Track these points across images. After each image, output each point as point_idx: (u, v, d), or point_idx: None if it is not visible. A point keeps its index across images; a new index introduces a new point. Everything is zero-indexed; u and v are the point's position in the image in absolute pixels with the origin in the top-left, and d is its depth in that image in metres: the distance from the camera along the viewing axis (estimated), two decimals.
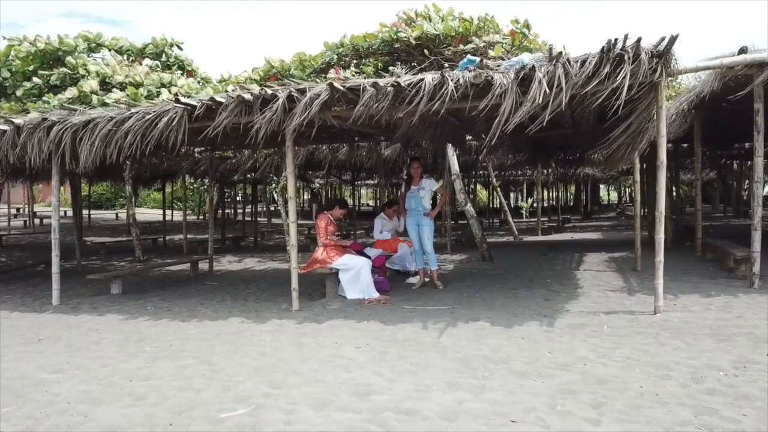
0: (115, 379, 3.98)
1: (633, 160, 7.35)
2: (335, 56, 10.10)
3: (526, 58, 5.14)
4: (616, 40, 4.72)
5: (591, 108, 5.69)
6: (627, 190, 42.10)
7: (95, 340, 5.24)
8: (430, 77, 5.19)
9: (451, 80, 5.09)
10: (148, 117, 6.06)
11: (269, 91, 5.55)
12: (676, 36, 4.61)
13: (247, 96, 5.62)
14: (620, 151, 6.21)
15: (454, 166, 10.49)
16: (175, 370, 4.17)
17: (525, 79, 5.06)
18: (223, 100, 5.74)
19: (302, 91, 5.55)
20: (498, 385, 3.51)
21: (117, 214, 32.16)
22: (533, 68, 4.88)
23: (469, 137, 9.08)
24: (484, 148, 10.16)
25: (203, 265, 10.31)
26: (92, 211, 33.04)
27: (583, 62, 4.87)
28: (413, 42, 9.30)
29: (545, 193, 31.25)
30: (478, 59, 5.23)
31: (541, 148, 11.26)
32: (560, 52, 4.82)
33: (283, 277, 8.73)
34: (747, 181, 27.63)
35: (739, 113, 9.19)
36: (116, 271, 8.35)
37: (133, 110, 6.21)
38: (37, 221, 25.93)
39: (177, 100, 5.84)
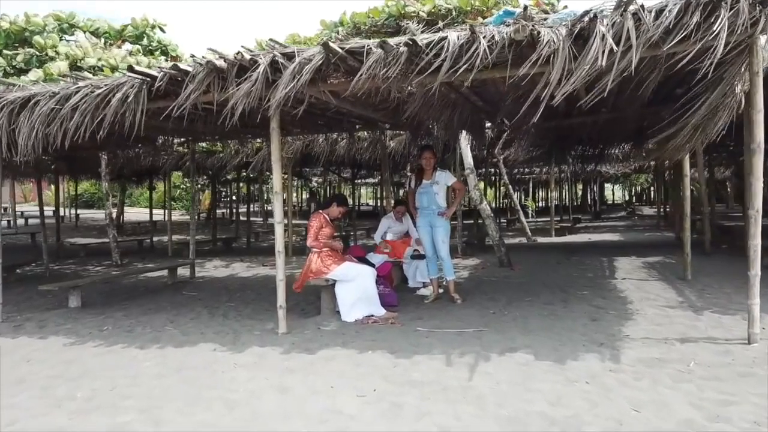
0: None
1: (696, 147, 6.08)
2: (333, 36, 8.92)
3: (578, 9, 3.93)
4: None
5: (657, 76, 4.51)
6: (636, 188, 40.91)
7: (20, 377, 4.03)
8: (455, 35, 3.98)
9: (483, 37, 3.89)
10: (98, 92, 4.85)
11: (247, 56, 4.34)
12: None
13: (220, 63, 4.40)
14: (685, 136, 4.97)
15: (468, 158, 9.27)
16: None
17: (578, 37, 3.87)
18: (189, 69, 4.53)
19: (289, 56, 4.33)
20: None
21: (110, 213, 30.87)
22: (594, 18, 3.66)
23: (488, 124, 7.87)
24: (508, 134, 8.96)
25: (185, 271, 9.10)
26: (85, 211, 31.99)
27: (660, 12, 3.66)
28: (424, 17, 8.12)
29: (551, 191, 30.02)
30: (518, 11, 4.02)
31: (563, 140, 10.05)
32: None
33: (272, 287, 7.46)
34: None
35: None
36: (74, 281, 7.12)
37: (81, 84, 5.00)
38: (21, 221, 24.74)
39: (131, 69, 4.62)
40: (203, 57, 4.49)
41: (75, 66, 9.27)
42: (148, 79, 4.72)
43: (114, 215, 15.04)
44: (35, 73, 8.73)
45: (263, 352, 4.41)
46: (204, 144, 11.99)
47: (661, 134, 5.55)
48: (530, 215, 25.85)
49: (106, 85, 4.87)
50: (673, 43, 3.65)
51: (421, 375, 3.66)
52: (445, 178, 6.24)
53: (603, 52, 3.62)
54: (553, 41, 3.77)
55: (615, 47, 3.57)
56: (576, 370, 3.61)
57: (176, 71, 4.55)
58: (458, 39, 3.95)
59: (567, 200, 29.92)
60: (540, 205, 34.30)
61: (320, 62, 4.22)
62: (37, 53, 9.70)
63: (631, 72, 3.69)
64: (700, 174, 10.54)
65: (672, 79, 5.41)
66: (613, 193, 52.15)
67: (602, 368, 3.62)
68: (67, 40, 10.58)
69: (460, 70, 3.99)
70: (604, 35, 3.63)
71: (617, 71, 3.74)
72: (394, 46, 4.06)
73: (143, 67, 6.96)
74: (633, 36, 3.61)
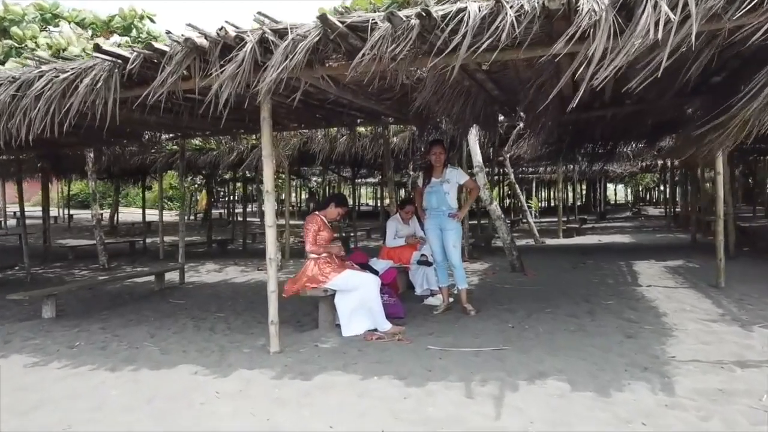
0: None
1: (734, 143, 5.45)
2: None
3: None
4: None
5: (707, 59, 3.91)
6: (641, 188, 40.28)
7: None
8: (475, 5, 3.38)
9: (511, 7, 3.29)
10: (64, 77, 4.24)
11: (232, 33, 3.73)
12: None
13: (200, 41, 3.79)
14: (733, 129, 4.35)
15: (477, 156, 8.67)
16: None
17: (623, 8, 3.27)
18: (166, 49, 3.93)
19: (281, 34, 3.73)
20: None
21: (102, 214, 30.34)
22: None
23: (501, 117, 7.26)
24: (521, 129, 8.35)
25: (176, 276, 8.49)
26: (79, 211, 31.35)
27: None
28: (432, 3, 7.53)
29: (553, 192, 29.39)
30: None
31: (578, 135, 9.43)
32: None
33: (267, 295, 6.92)
34: None
35: None
36: (48, 289, 6.51)
37: (44, 68, 4.39)
38: (12, 222, 24.11)
39: (98, 49, 4.01)
40: (182, 35, 3.88)
41: (58, 56, 8.68)
42: (120, 61, 4.11)
43: (101, 215, 14.43)
44: (12, 64, 8.13)
45: (251, 376, 3.80)
46: (196, 141, 11.39)
47: (696, 127, 4.95)
48: (533, 215, 25.24)
49: (72, 68, 4.26)
50: (740, 13, 3.04)
51: (437, 410, 3.05)
52: (456, 176, 5.64)
53: (656, 23, 3.02)
54: (594, 11, 3.16)
55: (672, 16, 2.96)
56: (625, 405, 3.00)
57: (151, 51, 3.95)
58: (480, 10, 3.35)
59: (571, 200, 29.32)
60: (542, 205, 33.67)
61: (317, 39, 3.61)
62: (17, 45, 9.10)
63: (692, 47, 3.08)
64: (724, 172, 9.93)
65: (710, 64, 4.82)
66: (616, 193, 51.50)
67: (656, 402, 3.01)
68: (50, 31, 9.98)
69: (482, 48, 3.39)
70: (656, 3, 3.03)
71: (675, 43, 3.13)
72: (404, 19, 3.46)
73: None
74: (692, 3, 3.00)
